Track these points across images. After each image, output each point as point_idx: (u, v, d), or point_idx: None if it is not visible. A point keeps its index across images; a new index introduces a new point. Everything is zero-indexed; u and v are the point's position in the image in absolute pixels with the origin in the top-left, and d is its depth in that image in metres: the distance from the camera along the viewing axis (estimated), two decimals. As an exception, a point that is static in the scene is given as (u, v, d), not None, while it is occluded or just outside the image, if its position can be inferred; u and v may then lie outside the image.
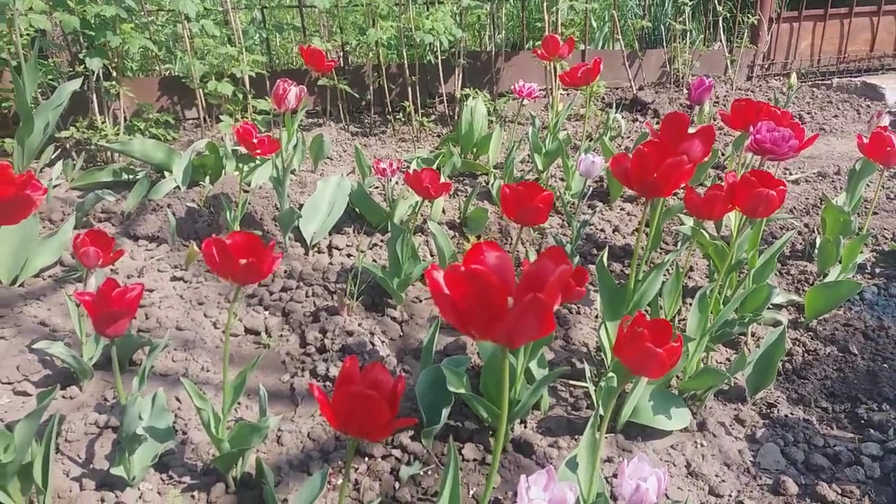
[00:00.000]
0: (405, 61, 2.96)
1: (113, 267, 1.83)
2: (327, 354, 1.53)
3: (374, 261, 1.95)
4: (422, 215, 2.19)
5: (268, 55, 3.14)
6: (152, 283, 1.78)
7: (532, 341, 1.29)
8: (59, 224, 1.95)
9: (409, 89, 2.99)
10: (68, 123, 2.51)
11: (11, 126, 2.48)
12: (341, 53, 3.21)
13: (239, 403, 1.38)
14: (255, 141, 1.79)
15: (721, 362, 1.59)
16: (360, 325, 1.62)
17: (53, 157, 2.32)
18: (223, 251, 1.03)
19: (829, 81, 3.77)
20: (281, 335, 1.62)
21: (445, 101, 3.21)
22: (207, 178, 2.25)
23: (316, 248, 2.00)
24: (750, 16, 3.64)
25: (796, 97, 3.60)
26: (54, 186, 2.15)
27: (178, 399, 1.38)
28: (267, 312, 1.69)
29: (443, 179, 2.39)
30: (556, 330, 1.69)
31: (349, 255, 1.97)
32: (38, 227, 1.74)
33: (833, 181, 2.54)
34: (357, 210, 2.15)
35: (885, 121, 1.76)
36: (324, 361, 1.50)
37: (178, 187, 2.17)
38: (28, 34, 2.30)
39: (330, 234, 2.04)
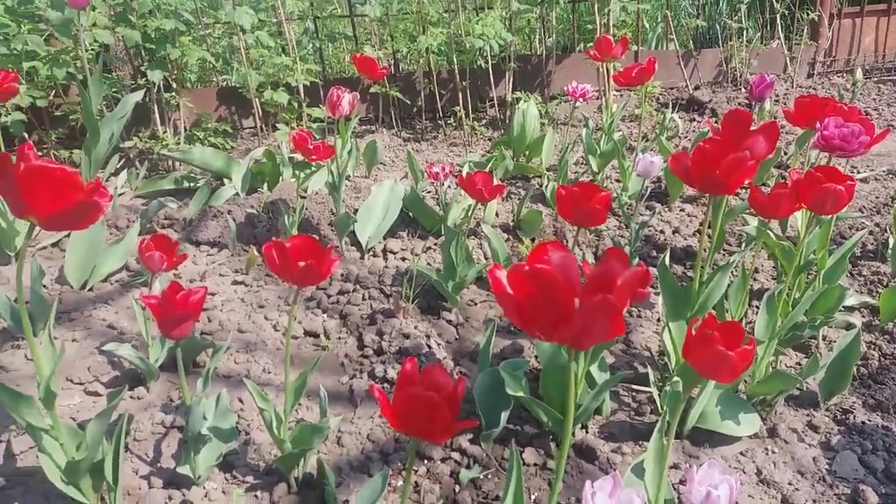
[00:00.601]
0: (455, 67, 2.96)
1: (176, 271, 1.88)
2: (385, 356, 1.53)
3: (429, 264, 1.95)
4: (475, 218, 2.18)
5: (321, 64, 3.19)
6: (214, 287, 1.81)
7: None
8: (124, 231, 2.01)
9: (460, 94, 2.99)
10: (131, 134, 2.59)
11: (79, 138, 2.58)
12: (392, 61, 3.24)
13: (300, 404, 1.39)
14: (310, 147, 1.81)
15: (791, 366, 1.53)
16: (416, 327, 1.62)
17: (118, 166, 2.40)
18: (283, 254, 1.04)
19: (895, 77, 3.62)
20: (339, 337, 1.63)
21: (496, 105, 3.20)
22: (265, 184, 2.29)
23: (371, 252, 2.01)
24: (809, 12, 3.53)
25: (861, 93, 3.46)
26: (120, 195, 2.22)
27: (240, 400, 1.40)
28: (325, 315, 1.71)
29: (496, 182, 2.39)
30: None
31: (404, 259, 1.98)
32: (105, 234, 1.79)
33: (904, 179, 2.43)
34: (411, 214, 2.15)
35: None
36: (381, 363, 1.50)
37: (237, 194, 2.21)
38: (93, 49, 2.39)
39: (385, 238, 2.05)
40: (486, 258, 1.96)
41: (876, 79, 3.65)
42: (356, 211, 2.06)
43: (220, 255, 1.96)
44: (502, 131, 3.07)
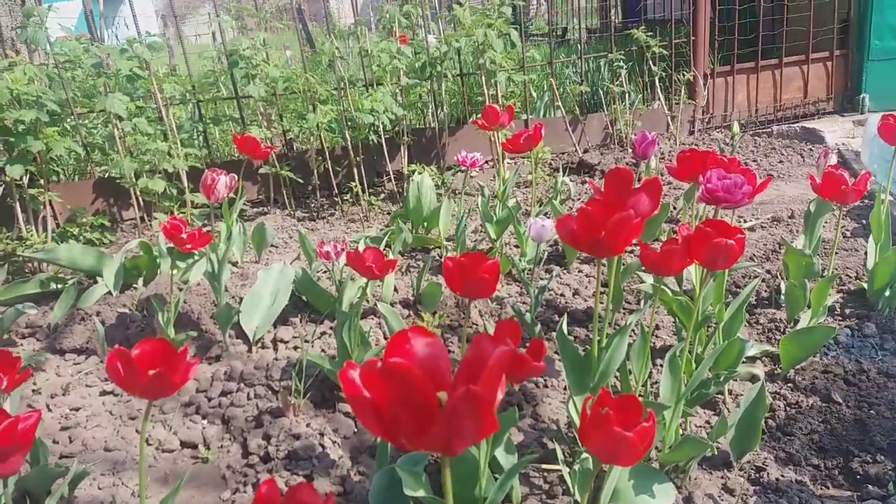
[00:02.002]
0: (349, 143, 2.91)
1: (34, 386, 1.67)
2: (272, 464, 1.38)
3: (324, 351, 1.82)
4: (374, 296, 2.08)
5: (206, 148, 3.07)
6: (79, 401, 1.62)
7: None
8: (-26, 344, 1.78)
9: (355, 170, 2.93)
10: (-7, 235, 2.37)
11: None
12: (284, 141, 3.16)
13: (171, 532, 1.21)
14: (183, 236, 1.68)
15: (700, 426, 1.48)
16: (308, 425, 1.48)
17: (-26, 272, 2.17)
18: (128, 363, 0.90)
19: (769, 129, 3.84)
20: (221, 446, 1.47)
21: (393, 178, 3.16)
22: (141, 280, 2.12)
23: (260, 344, 1.87)
24: (685, 73, 3.72)
25: (740, 147, 3.64)
26: (-27, 303, 1.99)
27: (100, 534, 1.21)
28: (205, 421, 1.54)
29: (393, 256, 2.30)
30: (524, 408, 1.57)
31: (296, 348, 1.84)
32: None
33: (788, 224, 2.52)
34: (304, 298, 2.03)
35: (833, 160, 1.74)
36: (268, 472, 1.35)
37: (109, 293, 2.03)
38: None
39: (275, 326, 1.91)
40: (386, 338, 1.85)
41: (751, 132, 3.86)
42: (241, 300, 1.91)
43: (87, 364, 1.76)
44: (400, 205, 3.02)
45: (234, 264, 2.38)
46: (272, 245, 2.57)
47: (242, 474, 1.37)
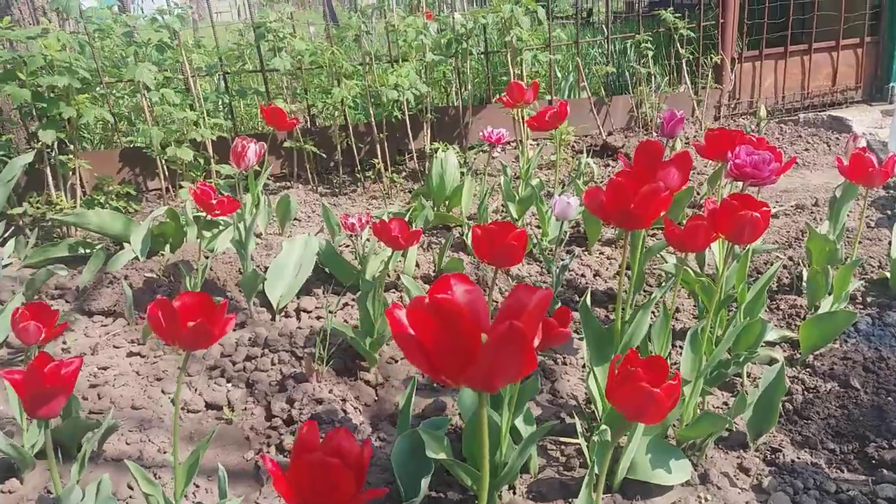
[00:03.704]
0: (373, 119, 2.92)
1: (64, 345, 1.71)
2: (295, 426, 1.41)
3: (346, 321, 1.85)
4: (395, 270, 2.10)
5: (231, 120, 3.09)
6: (107, 361, 1.66)
7: (515, 391, 1.19)
8: (6, 304, 1.83)
9: (378, 147, 2.94)
10: (23, 200, 2.41)
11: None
12: (307, 115, 3.18)
13: (196, 486, 1.25)
14: (213, 202, 1.70)
15: (718, 406, 1.49)
16: (330, 391, 1.51)
17: (5, 235, 2.21)
18: (170, 314, 0.93)
19: (795, 117, 3.79)
20: (245, 408, 1.50)
21: (415, 156, 3.17)
22: (168, 246, 2.15)
23: (283, 313, 1.90)
24: (712, 56, 3.68)
25: (766, 133, 3.60)
26: (5, 266, 2.03)
27: (129, 486, 1.24)
28: (230, 385, 1.57)
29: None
30: (541, 383, 1.59)
31: (319, 318, 1.87)
32: (-19, 308, 1.62)
33: (812, 213, 2.50)
34: (327, 270, 2.06)
35: (862, 143, 1.72)
36: (291, 434, 1.38)
37: (136, 258, 2.06)
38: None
39: (298, 296, 1.94)
40: (405, 312, 1.87)
41: (777, 119, 3.82)
42: (266, 269, 1.94)
43: (114, 326, 1.80)
44: (422, 183, 3.03)
45: (259, 236, 2.41)
46: (295, 218, 2.60)
47: (266, 436, 1.40)
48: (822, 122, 3.66)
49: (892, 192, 2.59)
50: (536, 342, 0.60)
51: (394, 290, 1.99)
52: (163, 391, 1.56)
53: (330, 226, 2.24)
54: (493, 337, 0.55)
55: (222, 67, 3.00)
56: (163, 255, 2.13)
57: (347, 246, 2.23)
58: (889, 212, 2.42)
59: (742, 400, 1.27)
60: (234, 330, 1.83)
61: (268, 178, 3.16)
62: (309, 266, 1.95)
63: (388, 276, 2.07)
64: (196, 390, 1.56)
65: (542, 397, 1.54)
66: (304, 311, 1.90)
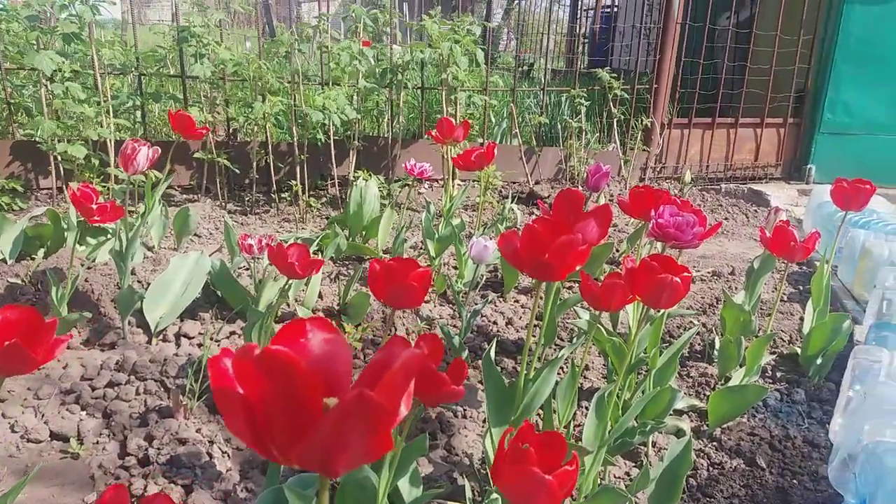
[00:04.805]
0: (295, 140, 2.78)
1: None
2: (150, 468, 1.22)
3: (231, 352, 1.67)
4: (296, 300, 1.95)
5: (143, 125, 2.89)
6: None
7: (399, 448, 1.05)
8: None
9: (298, 168, 2.80)
10: None
11: None
12: (228, 129, 3.01)
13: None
14: (93, 206, 1.52)
15: (621, 476, 1.40)
16: (198, 430, 1.33)
17: None
18: (-19, 329, 0.76)
19: (718, 186, 3.88)
20: (97, 442, 1.30)
21: (338, 184, 3.04)
22: (42, 251, 1.93)
23: (162, 336, 1.71)
24: (643, 119, 3.73)
25: (688, 198, 3.66)
26: None
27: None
28: (84, 413, 1.37)
29: (325, 261, 2.17)
30: (438, 437, 1.46)
31: (200, 345, 1.69)
32: None
33: (728, 281, 2.50)
34: (219, 293, 1.88)
35: (783, 216, 1.71)
36: (143, 478, 1.20)
37: (3, 260, 1.83)
38: None
39: (182, 319, 1.76)
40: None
41: (700, 187, 3.89)
42: (149, 286, 1.75)
43: (-41, 333, 1.57)
44: (341, 210, 2.90)
45: (151, 249, 2.21)
46: (196, 234, 2.41)
47: (115, 476, 1.21)
48: (742, 194, 3.75)
49: (805, 268, 2.62)
50: (403, 412, 0.48)
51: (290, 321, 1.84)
52: (3, 415, 1.35)
53: (230, 245, 2.07)
54: (337, 407, 0.42)
55: (139, 68, 2.81)
56: (34, 258, 1.90)
57: (247, 269, 2.06)
58: (801, 287, 2.45)
59: (645, 474, 1.18)
60: (102, 350, 1.63)
61: (175, 189, 2.96)
62: (197, 287, 1.77)
63: (287, 306, 1.91)
64: (42, 416, 1.36)
65: (435, 453, 1.41)
66: (186, 336, 1.71)
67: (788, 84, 3.88)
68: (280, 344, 0.50)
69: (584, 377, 1.77)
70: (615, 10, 6.19)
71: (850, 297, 2.27)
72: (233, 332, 1.74)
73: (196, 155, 2.76)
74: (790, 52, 3.84)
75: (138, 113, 2.91)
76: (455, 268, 2.42)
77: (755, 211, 3.52)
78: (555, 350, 1.88)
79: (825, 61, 3.82)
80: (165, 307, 1.71)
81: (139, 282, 1.87)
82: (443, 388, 0.89)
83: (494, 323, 2.01)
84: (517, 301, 2.20)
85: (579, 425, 1.52)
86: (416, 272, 1.04)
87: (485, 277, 2.29)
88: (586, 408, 1.60)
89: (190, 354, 1.61)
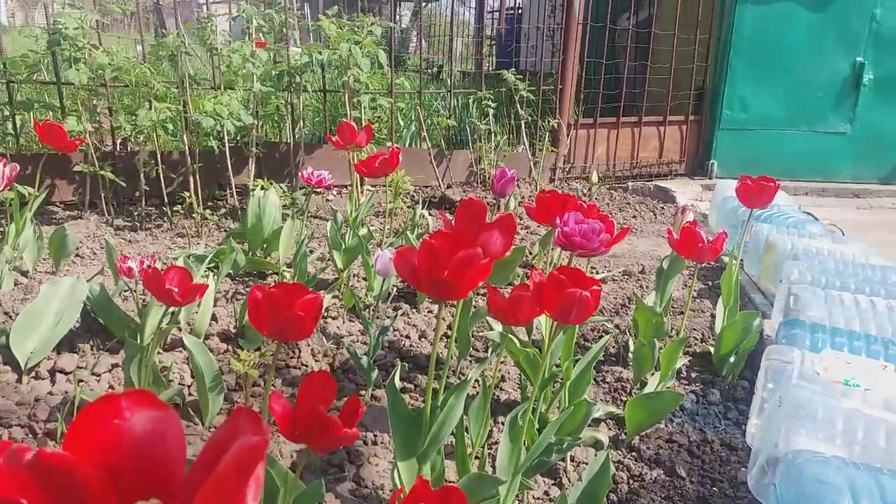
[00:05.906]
0: (188, 148, 2.59)
1: None
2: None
3: (112, 388, 1.51)
4: (189, 324, 1.79)
5: (15, 136, 2.63)
6: None
7: (295, 491, 0.94)
8: None
9: (192, 179, 2.61)
10: None
11: None
12: (114, 139, 2.79)
13: None
14: (-63, 232, 1.33)
15: (539, 497, 1.33)
16: (67, 483, 1.17)
17: None
18: None
19: (625, 185, 3.93)
20: (-57, 507, 1.12)
21: (236, 194, 2.87)
22: None
23: (34, 373, 1.52)
24: (550, 120, 3.73)
25: (597, 198, 3.68)
26: None
27: None
28: (-72, 473, 1.19)
29: (220, 279, 2.02)
30: (345, 469, 1.35)
31: (81, 381, 1.51)
32: None
33: (639, 280, 2.50)
34: (100, 321, 1.70)
35: (690, 216, 1.70)
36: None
37: None
38: None
39: (58, 352, 1.58)
40: (192, 378, 1.57)
41: (608, 186, 3.93)
42: (17, 317, 1.56)
43: None
44: (241, 223, 2.73)
45: (25, 274, 2.00)
46: (77, 255, 2.20)
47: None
48: (649, 192, 3.81)
49: (713, 263, 2.66)
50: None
51: (181, 348, 1.68)
52: None
53: (113, 266, 1.89)
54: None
55: (7, 75, 2.56)
56: None
57: (135, 292, 1.88)
58: (710, 283, 2.47)
59: (563, 499, 1.11)
60: (-42, 395, 1.43)
61: (57, 206, 2.72)
62: (73, 315, 1.59)
63: (178, 331, 1.75)
64: None
65: (343, 486, 1.30)
66: (62, 371, 1.53)
67: (688, 82, 3.98)
68: (83, 430, 0.39)
69: (500, 388, 1.70)
70: (519, 11, 6.23)
71: (758, 291, 2.31)
72: (115, 365, 1.57)
73: (77, 168, 2.54)
74: (689, 51, 3.93)
75: (8, 124, 2.65)
76: (364, 279, 2.31)
77: (662, 208, 3.57)
78: (470, 362, 1.81)
79: (721, 59, 3.94)
80: (36, 341, 1.52)
81: (6, 313, 1.67)
82: (334, 433, 0.79)
83: (407, 337, 1.92)
84: (431, 311, 2.11)
85: (496, 442, 1.44)
86: (304, 300, 0.93)
87: (396, 288, 2.19)
88: (502, 423, 1.53)
89: (66, 392, 1.44)
